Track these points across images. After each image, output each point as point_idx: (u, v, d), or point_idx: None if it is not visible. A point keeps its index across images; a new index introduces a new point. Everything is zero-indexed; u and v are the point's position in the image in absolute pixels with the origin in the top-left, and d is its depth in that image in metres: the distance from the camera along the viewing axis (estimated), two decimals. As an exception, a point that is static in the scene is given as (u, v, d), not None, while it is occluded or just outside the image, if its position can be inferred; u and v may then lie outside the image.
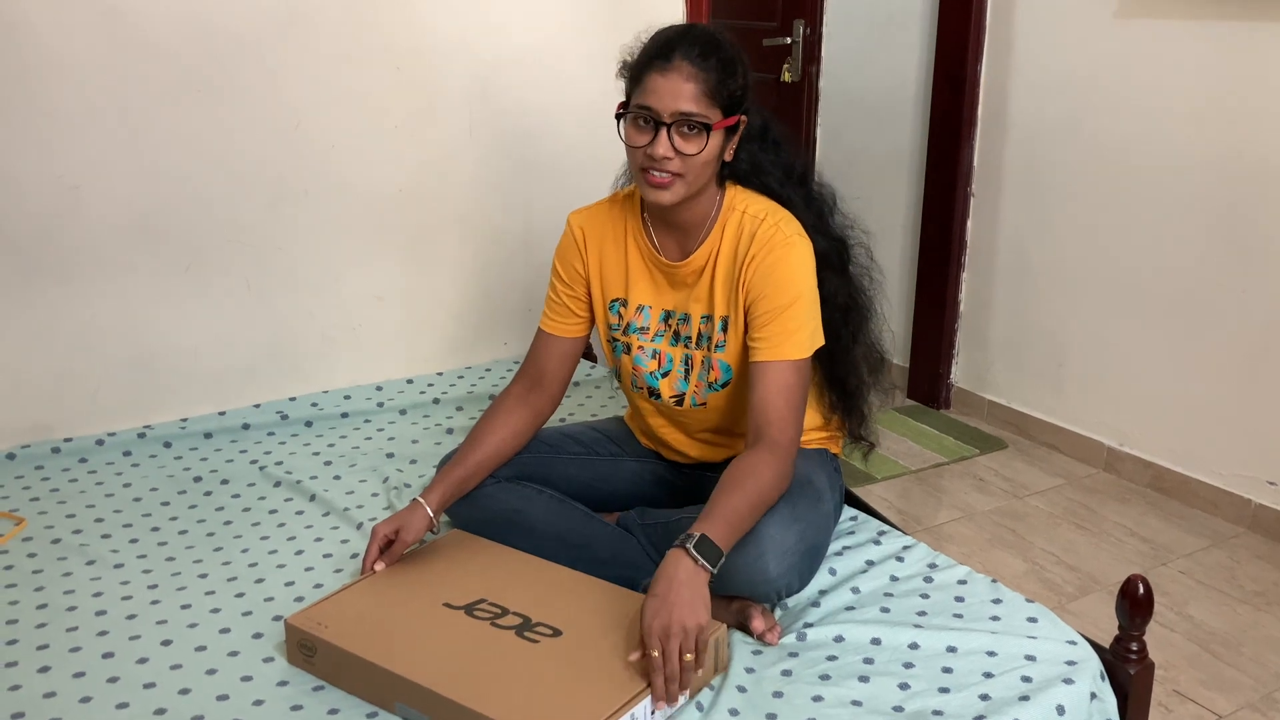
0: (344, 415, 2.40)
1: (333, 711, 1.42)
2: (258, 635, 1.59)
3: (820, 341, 1.66)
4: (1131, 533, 2.75)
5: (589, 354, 2.81)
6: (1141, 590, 1.46)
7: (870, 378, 1.83)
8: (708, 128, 1.57)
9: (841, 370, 1.78)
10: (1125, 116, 2.91)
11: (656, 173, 1.58)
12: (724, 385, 1.71)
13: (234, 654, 1.54)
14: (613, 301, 1.78)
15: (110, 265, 2.25)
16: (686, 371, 1.73)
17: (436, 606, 1.54)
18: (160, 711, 1.42)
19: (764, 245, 1.63)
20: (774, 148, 1.73)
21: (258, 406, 2.38)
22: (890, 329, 1.89)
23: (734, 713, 1.39)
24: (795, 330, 1.62)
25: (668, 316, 1.74)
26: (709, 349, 1.71)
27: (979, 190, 3.36)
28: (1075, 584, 2.51)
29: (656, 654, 1.35)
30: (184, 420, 2.31)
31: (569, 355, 1.84)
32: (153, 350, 2.34)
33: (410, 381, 2.59)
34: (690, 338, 1.72)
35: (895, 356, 3.64)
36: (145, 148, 2.22)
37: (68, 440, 2.20)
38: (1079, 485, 3.02)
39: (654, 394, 1.77)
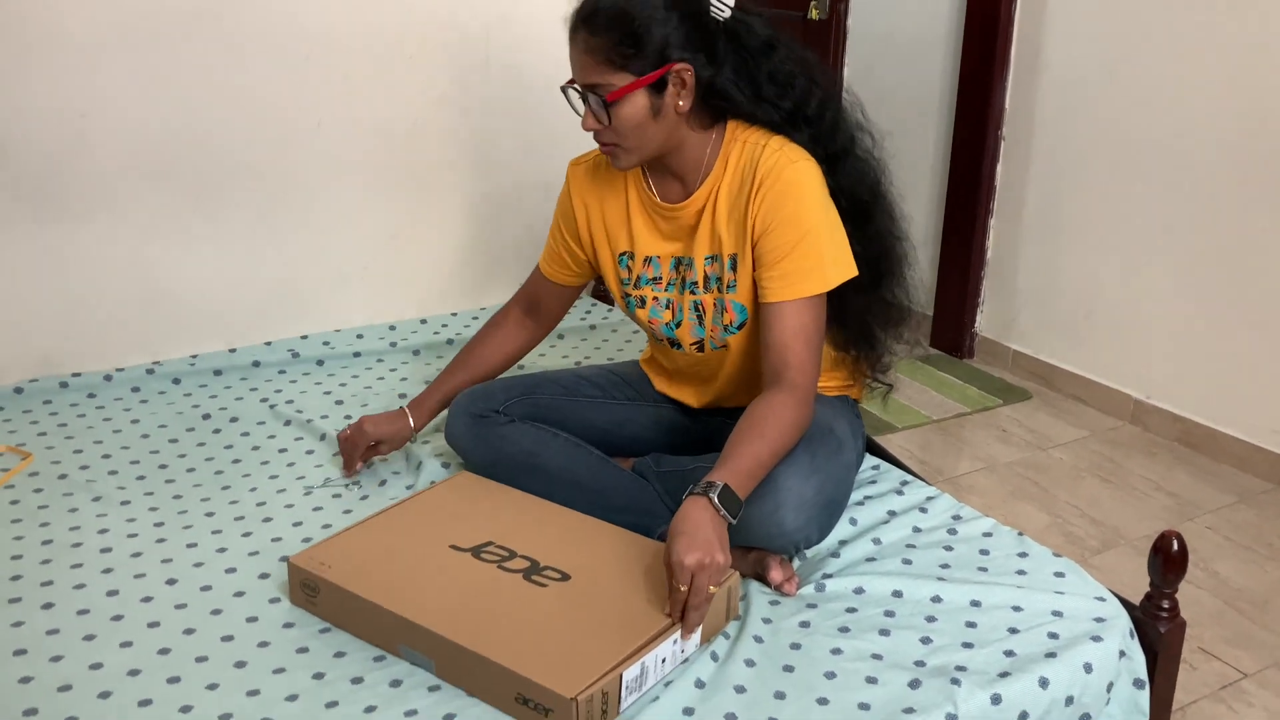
0: (356, 355, 2.36)
1: (339, 655, 1.39)
2: (264, 576, 1.56)
3: (849, 270, 1.56)
4: (1157, 487, 2.69)
5: (606, 297, 2.75)
6: (1175, 547, 1.41)
7: (894, 328, 1.76)
8: (615, 95, 1.49)
9: (864, 321, 1.70)
10: (1162, 62, 2.80)
11: (599, 144, 1.57)
12: (740, 326, 1.64)
13: (240, 594, 1.51)
14: (620, 255, 1.72)
15: (119, 199, 2.19)
16: (699, 318, 1.67)
17: (443, 548, 1.50)
18: (164, 651, 1.39)
19: (769, 173, 1.53)
20: (773, 83, 1.57)
21: (269, 344, 2.34)
22: (918, 289, 1.80)
23: (750, 664, 1.35)
24: (811, 266, 1.53)
25: (678, 263, 1.68)
26: (719, 290, 1.64)
27: (1010, 134, 3.26)
28: (1098, 538, 2.46)
29: (685, 588, 1.31)
30: (194, 357, 2.27)
31: (566, 297, 1.86)
32: (163, 286, 2.29)
33: (424, 321, 2.54)
34: (696, 282, 1.65)
35: (919, 304, 3.55)
36: (154, 77, 2.16)
37: (76, 375, 2.16)
38: (1104, 438, 2.96)
39: (675, 344, 1.72)
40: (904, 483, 1.78)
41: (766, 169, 1.53)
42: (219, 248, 2.33)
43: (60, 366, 2.21)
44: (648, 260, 1.69)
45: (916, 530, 1.65)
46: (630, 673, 1.27)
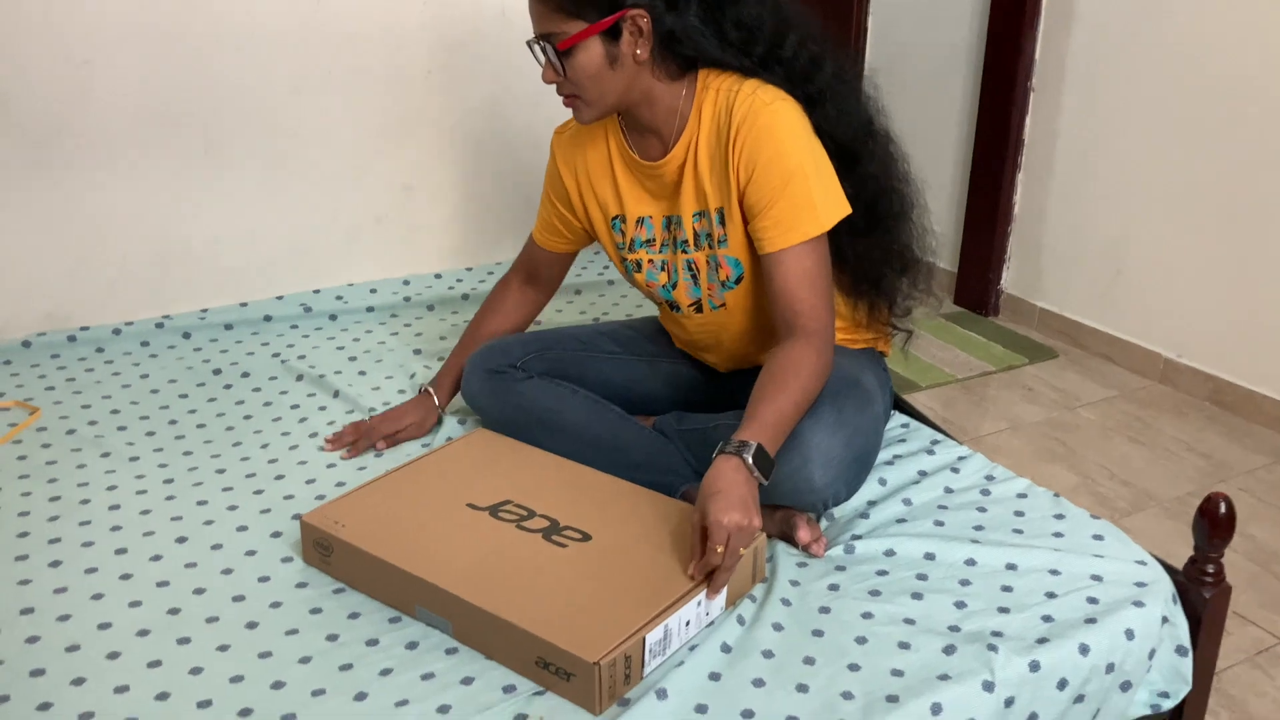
0: (369, 309, 2.31)
1: (353, 616, 1.35)
2: (276, 534, 1.51)
3: (841, 208, 1.48)
4: (1189, 448, 2.63)
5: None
6: (1223, 509, 1.35)
7: (906, 274, 1.68)
8: (566, 44, 1.42)
9: (867, 266, 1.62)
10: (1199, 12, 2.70)
11: (561, 97, 1.51)
12: (738, 281, 1.57)
13: (251, 553, 1.47)
14: (613, 220, 1.65)
15: (126, 150, 2.14)
16: (694, 277, 1.60)
17: (459, 507, 1.46)
18: (174, 611, 1.35)
19: (744, 118, 1.45)
20: (740, 28, 1.48)
21: (280, 299, 2.29)
22: (933, 229, 1.71)
23: (778, 627, 1.30)
24: (802, 208, 1.45)
25: (669, 222, 1.61)
26: (711, 246, 1.56)
27: (1039, 87, 3.16)
28: (1128, 500, 2.40)
29: (722, 549, 1.26)
30: (204, 311, 2.22)
31: (563, 263, 1.82)
32: (172, 239, 2.24)
33: (438, 276, 2.48)
34: (686, 241, 1.58)
35: (943, 260, 3.49)
36: (159, 23, 2.09)
37: (84, 329, 2.12)
38: (1133, 397, 2.89)
39: (673, 306, 1.66)
40: (934, 442, 1.72)
41: (741, 115, 1.46)
42: (229, 199, 2.27)
43: (68, 320, 2.16)
44: (640, 221, 1.62)
45: (948, 491, 1.59)
46: (653, 636, 1.23)
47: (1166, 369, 2.94)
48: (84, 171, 2.11)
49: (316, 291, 2.34)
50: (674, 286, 1.63)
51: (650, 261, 1.64)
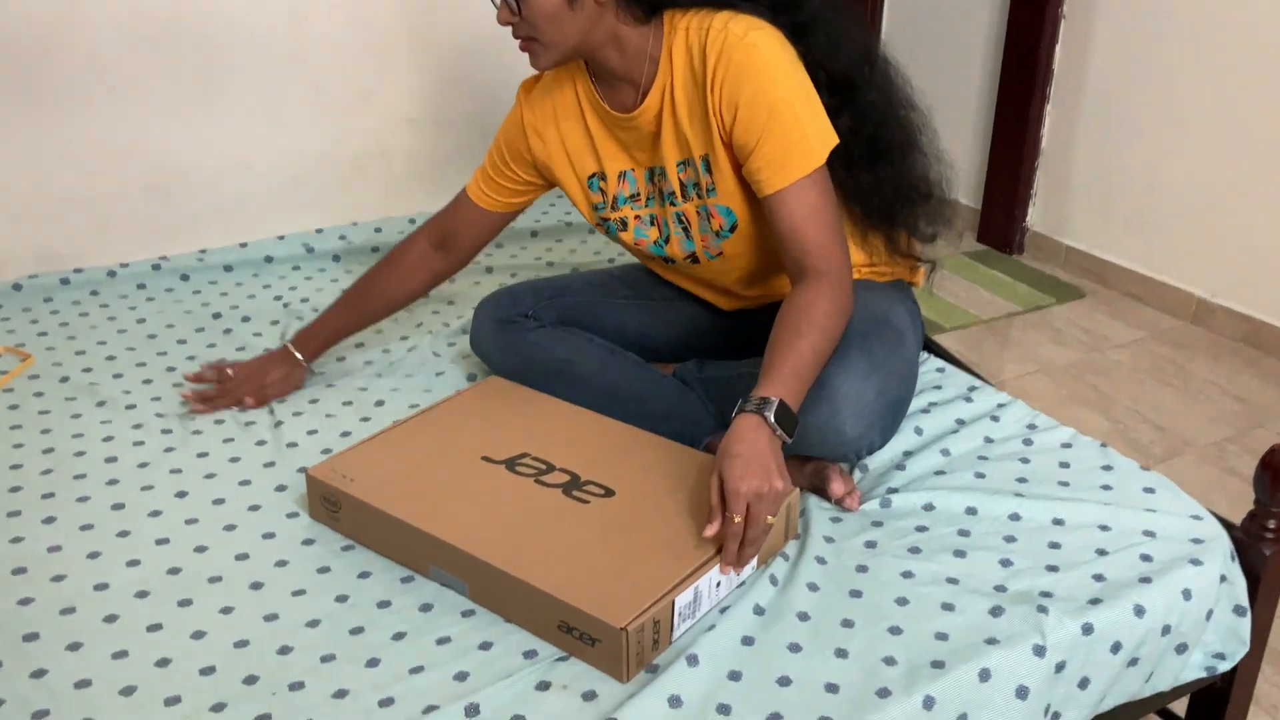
0: (374, 250, 2.21)
1: (363, 575, 1.27)
2: (280, 488, 1.44)
3: (831, 136, 1.37)
4: (1224, 391, 2.54)
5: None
6: (1288, 461, 1.27)
7: (921, 205, 1.56)
8: None
9: (875, 201, 1.50)
10: (1251, -76, 2.56)
11: (517, 40, 1.39)
12: (732, 230, 1.47)
13: (255, 508, 1.40)
14: (590, 178, 1.53)
15: (118, 80, 2.04)
16: (685, 230, 1.50)
17: (474, 460, 1.38)
18: (174, 571, 1.28)
19: (719, 57, 1.34)
20: None
21: (281, 238, 2.20)
22: (948, 157, 1.59)
23: (813, 588, 1.23)
24: (794, 142, 1.34)
25: (651, 175, 1.50)
26: (699, 196, 1.46)
27: (1070, 14, 3.02)
28: (1163, 445, 2.32)
29: (740, 519, 1.18)
30: (202, 251, 2.13)
31: (487, 230, 1.65)
32: (168, 176, 2.15)
33: (446, 214, 2.38)
34: (673, 192, 1.47)
35: (966, 197, 3.38)
36: (147, -57, 1.98)
37: (78, 271, 2.03)
38: (1165, 339, 2.80)
39: (668, 260, 1.56)
40: (972, 388, 1.64)
41: (715, 53, 1.34)
42: (226, 133, 2.17)
43: (61, 262, 2.08)
44: (622, 176, 1.51)
45: (988, 440, 1.51)
46: (683, 599, 1.15)
47: (1199, 309, 2.84)
48: (74, 102, 2.01)
49: (319, 231, 2.24)
50: (666, 241, 1.52)
51: (637, 218, 1.53)
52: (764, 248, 1.50)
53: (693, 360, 1.62)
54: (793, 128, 1.34)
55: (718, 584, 1.20)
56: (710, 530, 1.18)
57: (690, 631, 1.17)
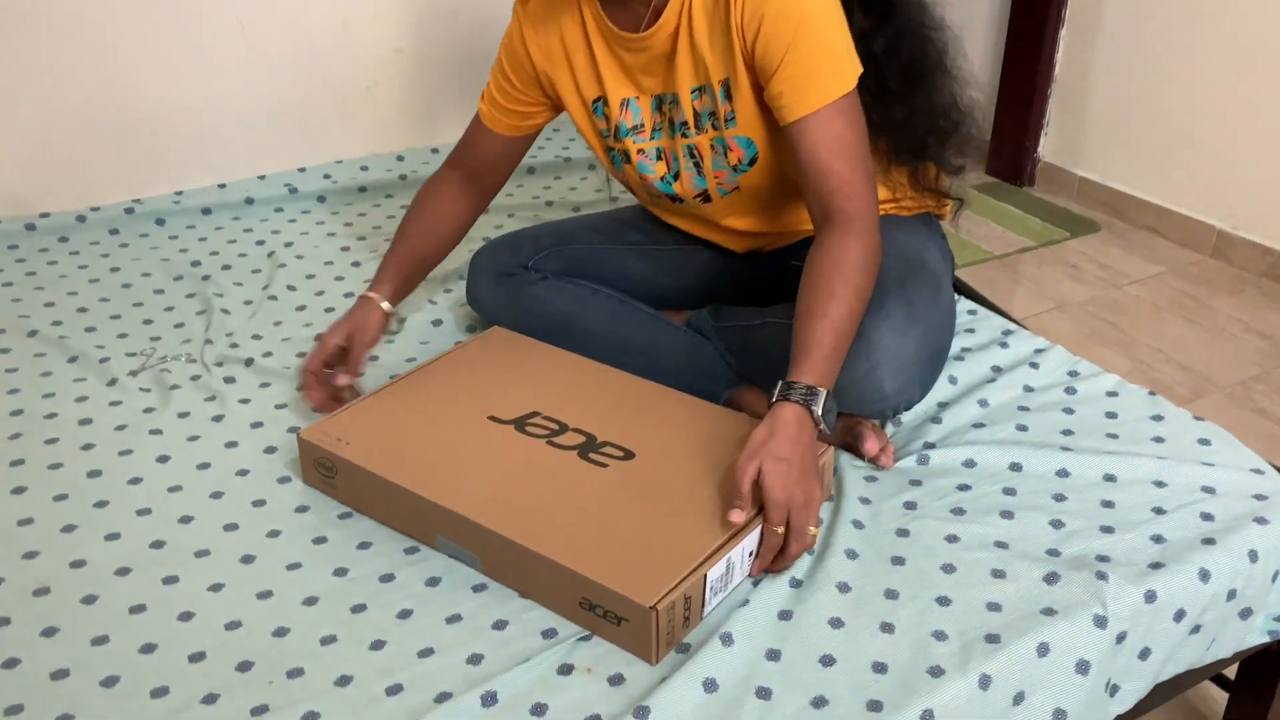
0: (361, 189, 2.09)
1: (363, 546, 1.18)
2: (270, 450, 1.33)
3: (857, 64, 1.25)
4: (1247, 327, 2.45)
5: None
6: (1363, 412, 1.17)
7: (953, 135, 1.46)
8: None
9: (914, 139, 1.40)
10: None
11: None
12: (751, 163, 1.35)
13: (243, 473, 1.29)
14: (594, 103, 1.40)
15: (87, 9, 1.88)
16: (697, 165, 1.38)
17: (480, 420, 1.27)
18: (157, 544, 1.18)
19: None
20: None
21: (262, 178, 2.07)
22: (978, 86, 1.48)
23: (852, 555, 1.14)
24: (822, 63, 1.21)
25: (660, 103, 1.37)
26: (715, 127, 1.33)
27: (1086, -70, 2.88)
28: (1188, 385, 2.24)
29: (782, 530, 1.08)
30: (178, 193, 2.00)
31: (509, 155, 1.51)
32: (140, 112, 2.01)
33: (435, 150, 2.25)
34: (686, 122, 1.35)
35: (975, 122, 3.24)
36: None
37: (44, 216, 1.90)
38: (1183, 273, 2.70)
39: (675, 199, 1.43)
40: (1007, 332, 1.54)
41: None
42: (202, 66, 2.03)
43: (27, 206, 1.94)
44: (625, 105, 1.38)
45: (1028, 389, 1.41)
46: (715, 572, 1.06)
47: (1219, 242, 2.74)
48: (39, 33, 1.86)
49: (302, 170, 2.11)
50: (676, 178, 1.40)
51: (641, 152, 1.40)
52: (784, 182, 1.38)
53: (707, 308, 1.50)
54: (820, 47, 1.21)
55: (749, 553, 1.11)
56: (735, 517, 1.08)
57: (722, 606, 1.08)
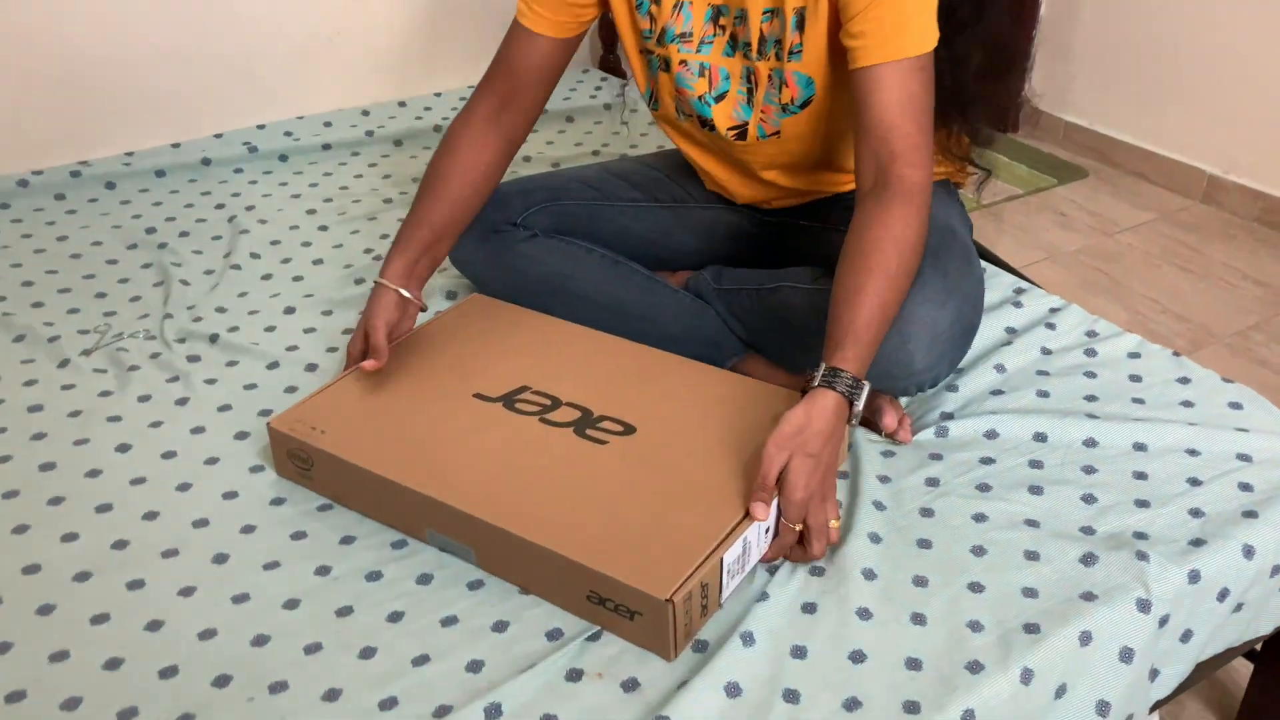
0: (326, 147, 1.97)
1: (346, 541, 1.09)
2: (241, 435, 1.23)
3: (937, 33, 1.16)
4: (1243, 275, 2.39)
5: (616, 68, 2.34)
6: None
7: (998, 85, 1.37)
8: None
9: (962, 87, 1.31)
10: None
11: None
12: (803, 106, 1.26)
13: (212, 462, 1.19)
14: None
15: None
16: (749, 92, 1.27)
17: (465, 399, 1.18)
18: (120, 545, 1.08)
19: None
20: None
21: (219, 136, 1.94)
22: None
23: (875, 539, 1.06)
24: (913, 14, 1.12)
25: (717, 14, 1.25)
26: (779, 58, 1.23)
27: None
28: (1187, 337, 2.18)
29: (800, 528, 1.01)
30: (129, 154, 1.88)
31: (553, 64, 1.33)
32: (86, 65, 1.87)
33: (403, 104, 2.13)
34: (749, 44, 1.24)
35: (958, 71, 3.15)
36: None
37: (-17, 181, 1.77)
38: (1175, 220, 2.64)
39: (706, 124, 1.32)
40: (1019, 290, 1.46)
41: None
42: (153, 15, 1.89)
43: (-37, 170, 1.81)
44: (678, 7, 1.26)
45: (1046, 352, 1.34)
46: (731, 554, 0.98)
47: (1210, 187, 2.68)
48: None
49: (261, 127, 1.99)
50: (717, 99, 1.28)
51: (684, 64, 1.28)
52: (829, 134, 1.29)
53: (709, 269, 1.41)
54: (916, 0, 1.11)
55: (767, 530, 1.03)
56: (760, 513, 1.00)
57: (740, 601, 1.00)
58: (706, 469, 1.06)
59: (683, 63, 1.28)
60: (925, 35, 1.13)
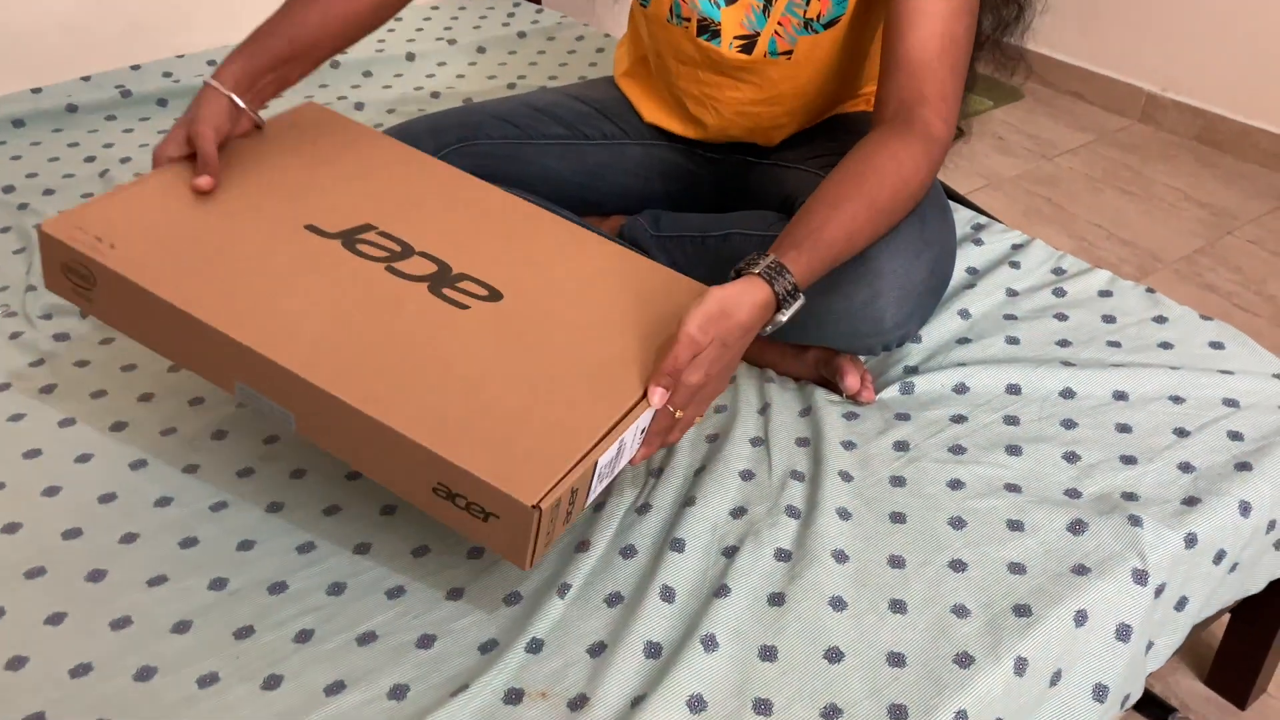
0: (210, 88, 1.77)
1: (244, 546, 0.95)
2: (119, 426, 1.08)
3: None
4: (1186, 196, 2.33)
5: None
6: None
7: (1004, 32, 1.27)
8: None
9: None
10: None
11: None
12: (829, 25, 1.13)
13: (84, 459, 1.04)
14: None
15: None
16: (767, 1, 1.14)
17: (295, 229, 0.98)
18: (-25, 564, 0.92)
19: None
20: None
21: (87, 79, 1.73)
22: None
23: (844, 515, 0.95)
24: None
25: None
26: None
27: None
28: (1133, 263, 2.11)
29: (680, 415, 0.89)
30: (-18, 103, 1.66)
31: None
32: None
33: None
34: None
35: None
36: None
37: None
38: (1113, 141, 2.56)
39: (707, 29, 1.16)
40: (977, 226, 1.36)
41: None
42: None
43: None
44: None
45: (1012, 294, 1.24)
46: (605, 457, 0.84)
47: (1148, 105, 2.60)
48: None
49: (136, 68, 1.78)
50: (729, 1, 1.14)
51: None
52: (837, 72, 1.17)
53: (645, 213, 1.27)
54: None
55: (642, 431, 0.89)
56: (657, 399, 0.87)
57: (698, 598, 0.88)
58: (583, 351, 0.91)
59: None
60: None
